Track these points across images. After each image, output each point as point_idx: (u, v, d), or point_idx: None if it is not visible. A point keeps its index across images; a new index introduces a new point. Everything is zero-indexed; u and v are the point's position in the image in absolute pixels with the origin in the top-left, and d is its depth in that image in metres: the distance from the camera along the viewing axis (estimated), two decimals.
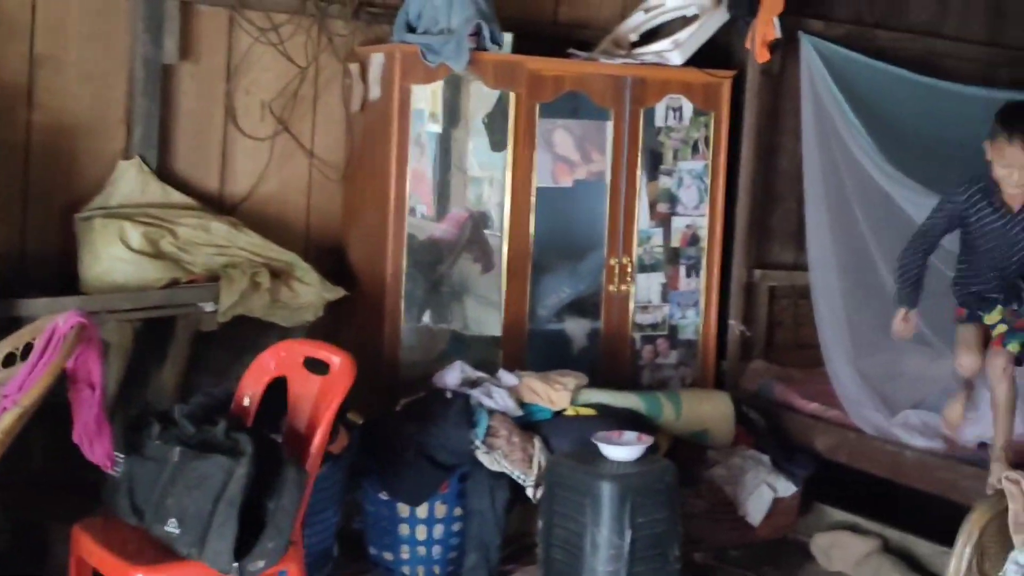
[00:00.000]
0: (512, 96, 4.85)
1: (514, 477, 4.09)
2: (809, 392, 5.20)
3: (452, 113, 4.95)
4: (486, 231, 5.07)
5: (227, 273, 4.42)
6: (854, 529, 4.77)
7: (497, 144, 4.94)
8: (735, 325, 5.36)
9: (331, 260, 4.94)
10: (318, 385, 3.43)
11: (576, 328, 5.15)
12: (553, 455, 4.09)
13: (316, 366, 3.49)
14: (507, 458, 4.07)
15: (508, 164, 4.88)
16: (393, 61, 4.64)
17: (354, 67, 4.84)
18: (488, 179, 5.04)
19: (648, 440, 3.94)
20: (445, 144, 4.95)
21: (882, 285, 5.05)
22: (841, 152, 5.18)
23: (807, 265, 5.62)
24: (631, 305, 5.16)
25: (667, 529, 3.81)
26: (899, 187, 4.99)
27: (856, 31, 5.59)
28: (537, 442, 4.16)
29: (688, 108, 5.20)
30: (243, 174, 4.86)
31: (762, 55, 5.17)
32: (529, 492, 4.08)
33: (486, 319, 5.07)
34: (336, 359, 3.39)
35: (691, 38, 5.14)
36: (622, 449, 3.89)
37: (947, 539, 4.44)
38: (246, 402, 3.54)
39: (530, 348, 4.97)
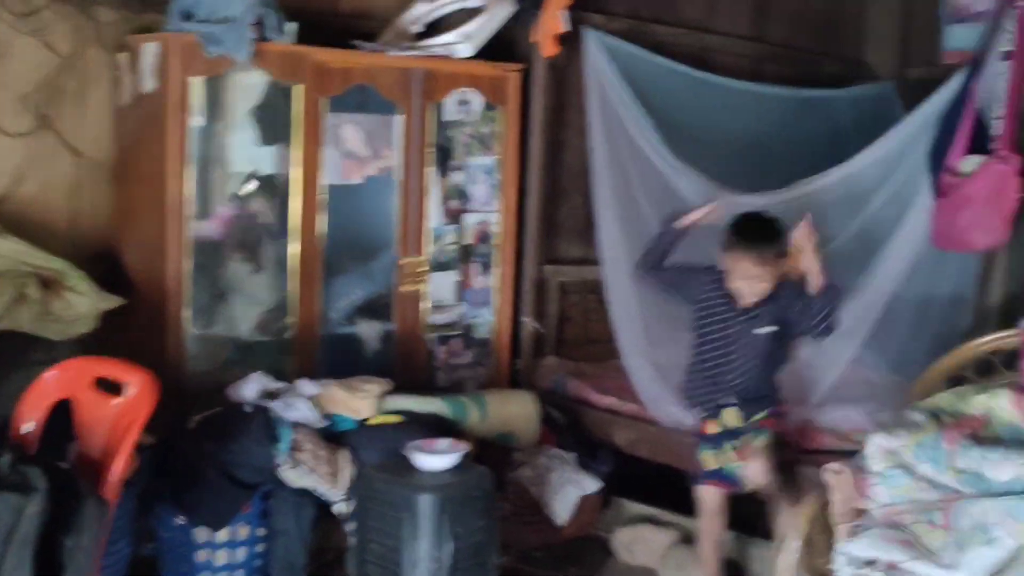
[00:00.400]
0: (297, 89, 4.59)
1: (319, 493, 3.87)
2: (603, 386, 5.20)
3: (214, 106, 4.61)
4: (258, 229, 4.79)
5: None
6: (654, 522, 4.80)
7: (268, 138, 4.67)
8: (529, 322, 5.30)
9: (102, 267, 4.55)
10: (113, 407, 3.12)
11: (369, 331, 4.96)
12: (363, 468, 3.89)
13: (108, 386, 3.17)
14: (313, 473, 3.85)
15: (284, 159, 4.64)
16: (170, 51, 4.31)
17: (123, 57, 4.48)
18: (251, 174, 4.75)
19: (463, 447, 3.81)
20: (207, 138, 4.61)
21: None
22: (627, 145, 5.19)
23: (595, 260, 5.63)
24: (425, 305, 5.00)
25: (485, 537, 3.70)
26: (683, 178, 5.04)
27: (635, 26, 5.61)
28: (344, 455, 3.95)
29: (478, 102, 5.09)
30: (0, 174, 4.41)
31: (549, 48, 5.12)
32: (337, 508, 3.87)
33: (265, 322, 4.80)
34: (135, 378, 3.09)
35: (479, 30, 5.03)
36: (437, 458, 3.74)
37: (746, 528, 4.60)
38: (26, 429, 3.18)
39: (322, 353, 4.75)
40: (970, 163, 3.83)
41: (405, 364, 4.98)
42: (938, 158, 3.99)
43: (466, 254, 5.14)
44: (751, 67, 6.20)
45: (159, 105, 4.35)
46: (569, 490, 4.48)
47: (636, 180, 5.17)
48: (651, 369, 4.93)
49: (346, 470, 3.91)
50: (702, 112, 5.61)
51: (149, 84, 4.40)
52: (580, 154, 5.54)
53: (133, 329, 4.43)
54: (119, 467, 2.98)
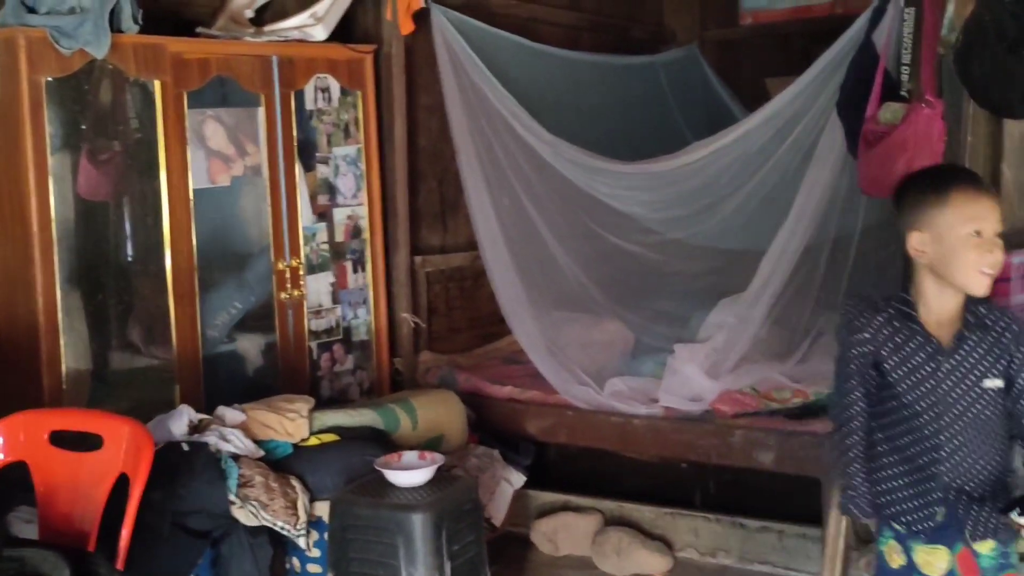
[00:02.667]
0: (157, 85, 4.09)
1: (278, 529, 3.47)
2: (492, 376, 5.02)
3: None
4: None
5: None
6: (572, 509, 4.65)
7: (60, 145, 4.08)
8: (408, 317, 5.01)
9: None
10: (84, 466, 2.63)
11: (250, 346, 4.53)
12: (321, 494, 3.51)
13: (69, 441, 2.68)
14: (267, 509, 3.44)
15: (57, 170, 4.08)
16: (15, 49, 3.73)
17: None
18: None
19: (437, 459, 3.51)
20: None
21: (548, 253, 4.96)
22: (488, 122, 5.00)
23: (454, 247, 5.43)
24: (305, 311, 4.61)
25: (477, 552, 3.43)
26: (557, 150, 4.89)
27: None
28: (295, 483, 3.56)
29: (335, 88, 4.74)
30: None
31: (407, 26, 4.84)
32: (301, 542, 3.48)
33: (76, 352, 4.25)
34: (119, 429, 2.62)
35: (331, 10, 4.68)
36: (414, 473, 3.43)
37: (667, 502, 4.54)
38: None
39: (205, 376, 4.27)
40: (890, 111, 3.88)
41: (290, 377, 4.58)
42: (850, 108, 4.02)
43: (338, 253, 4.78)
44: (570, 36, 6.13)
45: (7, 113, 3.76)
46: (504, 487, 4.26)
47: (502, 156, 4.99)
48: (549, 350, 4.77)
49: (302, 500, 3.52)
50: (539, 84, 5.48)
51: None
52: (430, 135, 5.32)
53: None
54: (126, 537, 2.51)
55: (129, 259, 4.28)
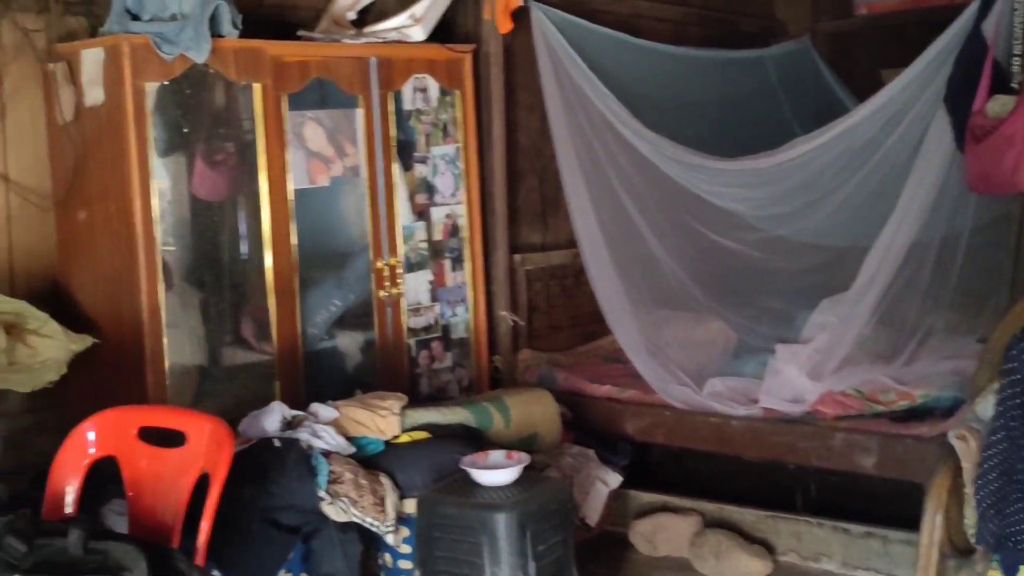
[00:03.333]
0: (257, 88, 4.17)
1: (367, 525, 3.50)
2: (591, 375, 4.98)
3: None
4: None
5: None
6: (671, 510, 4.60)
7: (165, 149, 4.14)
8: (507, 316, 5.01)
9: (48, 305, 4.02)
10: (169, 461, 2.69)
11: (349, 343, 4.59)
12: (410, 492, 3.54)
13: (156, 438, 2.75)
14: (356, 505, 3.48)
15: (180, 171, 4.19)
16: (120, 56, 3.83)
17: (58, 68, 3.96)
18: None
19: (523, 458, 3.50)
20: None
21: (649, 252, 4.91)
22: (589, 120, 4.97)
23: (554, 245, 5.42)
24: (403, 309, 4.65)
25: (564, 553, 3.41)
26: (658, 148, 4.83)
27: None
28: (385, 480, 3.59)
29: (434, 88, 4.77)
30: None
31: (505, 24, 4.85)
32: (390, 539, 3.51)
33: (187, 348, 4.35)
34: (201, 426, 2.67)
35: (429, 10, 4.71)
36: (500, 473, 3.43)
37: (766, 504, 4.45)
38: (68, 496, 2.72)
39: (305, 373, 4.34)
40: (998, 104, 3.75)
41: (389, 374, 4.63)
42: (957, 102, 3.89)
43: (437, 251, 4.81)
44: (675, 31, 6.08)
45: (112, 117, 3.87)
46: (599, 488, 4.23)
47: (602, 154, 4.95)
48: (648, 349, 4.72)
49: (390, 497, 3.55)
50: (643, 81, 5.43)
51: (96, 95, 3.91)
52: (530, 134, 5.32)
53: (94, 372, 3.94)
54: (206, 531, 2.56)
55: (243, 257, 4.35)
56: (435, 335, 4.81)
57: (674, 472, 4.89)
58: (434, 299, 4.81)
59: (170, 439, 2.86)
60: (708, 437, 4.47)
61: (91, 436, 2.74)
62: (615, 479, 4.35)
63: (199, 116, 4.22)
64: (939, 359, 4.41)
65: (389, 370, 4.63)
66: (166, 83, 3.95)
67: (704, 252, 4.93)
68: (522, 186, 5.32)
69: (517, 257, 5.17)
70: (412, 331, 4.73)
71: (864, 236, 4.39)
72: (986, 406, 3.10)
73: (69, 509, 2.72)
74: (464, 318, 4.93)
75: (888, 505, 4.22)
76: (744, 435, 4.37)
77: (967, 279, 4.25)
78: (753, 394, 4.52)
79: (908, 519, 3.97)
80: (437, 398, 4.71)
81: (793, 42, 6.46)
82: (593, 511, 4.25)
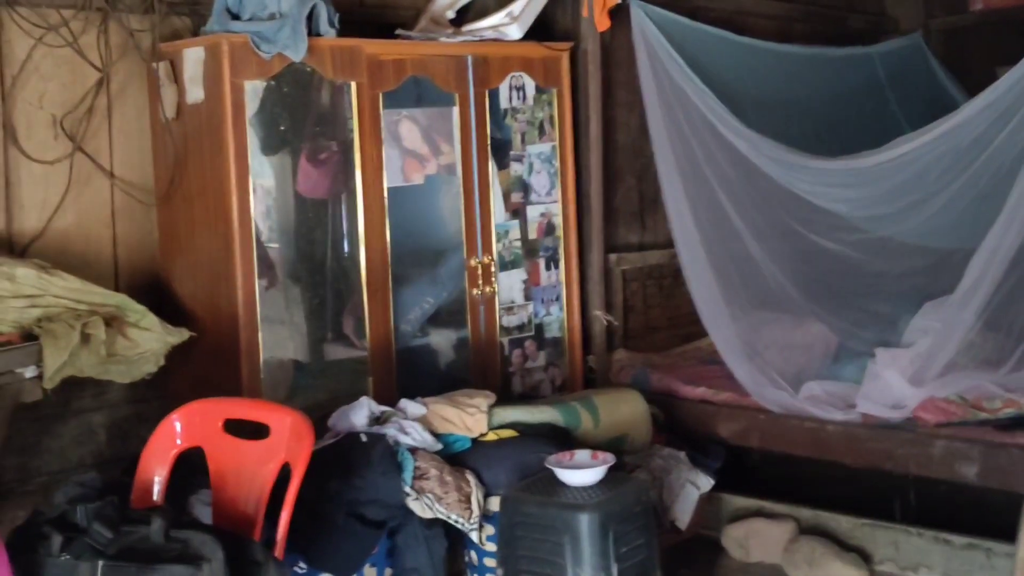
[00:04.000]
0: (353, 86, 4.22)
1: (452, 522, 3.51)
2: (686, 376, 4.92)
3: None
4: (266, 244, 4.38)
5: (47, 328, 3.56)
6: (764, 515, 4.52)
7: (268, 147, 4.25)
8: (601, 316, 4.98)
9: (149, 298, 4.12)
10: (252, 453, 2.73)
11: (442, 340, 4.62)
12: (496, 490, 3.54)
13: (240, 430, 2.79)
14: (441, 501, 3.49)
15: (286, 169, 4.27)
16: (219, 55, 3.91)
17: (162, 67, 4.06)
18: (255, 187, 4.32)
19: (608, 458, 3.48)
20: None
21: (747, 252, 4.83)
22: (687, 119, 4.90)
23: (652, 244, 5.37)
24: (497, 307, 4.65)
25: (648, 556, 3.37)
26: (756, 148, 4.74)
27: None
28: (470, 477, 3.60)
29: (531, 86, 4.77)
30: (32, 206, 3.98)
31: (603, 22, 4.82)
32: (474, 536, 3.52)
33: (298, 343, 4.41)
34: (283, 419, 2.71)
35: (527, 9, 4.72)
36: (584, 473, 3.41)
37: (863, 511, 4.34)
38: (155, 485, 2.78)
39: (398, 369, 4.37)
40: None
41: (481, 372, 4.64)
42: None
43: (531, 250, 4.80)
44: (780, 28, 5.99)
45: (212, 115, 3.95)
46: (689, 490, 4.18)
47: (700, 153, 4.88)
48: (745, 351, 4.64)
49: (476, 494, 3.56)
50: (746, 79, 5.36)
51: (196, 93, 3.99)
52: (629, 132, 5.28)
53: (193, 364, 4.03)
54: (285, 523, 2.60)
55: (343, 254, 4.39)
56: (528, 334, 4.81)
57: (772, 476, 4.80)
58: (528, 298, 4.81)
59: (257, 431, 2.91)
60: (803, 442, 4.38)
61: (178, 427, 2.81)
62: (706, 482, 4.29)
63: (301, 114, 4.29)
64: None
65: (481, 368, 4.64)
66: (270, 82, 4.01)
67: (804, 253, 4.82)
68: (620, 185, 5.29)
69: (613, 257, 5.14)
70: (505, 329, 4.73)
71: (970, 238, 4.25)
72: None
73: (156, 498, 2.78)
74: (558, 317, 4.92)
75: (993, 516, 4.07)
76: (840, 440, 4.28)
77: None
78: (852, 399, 4.42)
79: (1014, 531, 3.85)
80: (529, 397, 4.71)
81: (904, 39, 6.30)
82: (683, 514, 4.20)
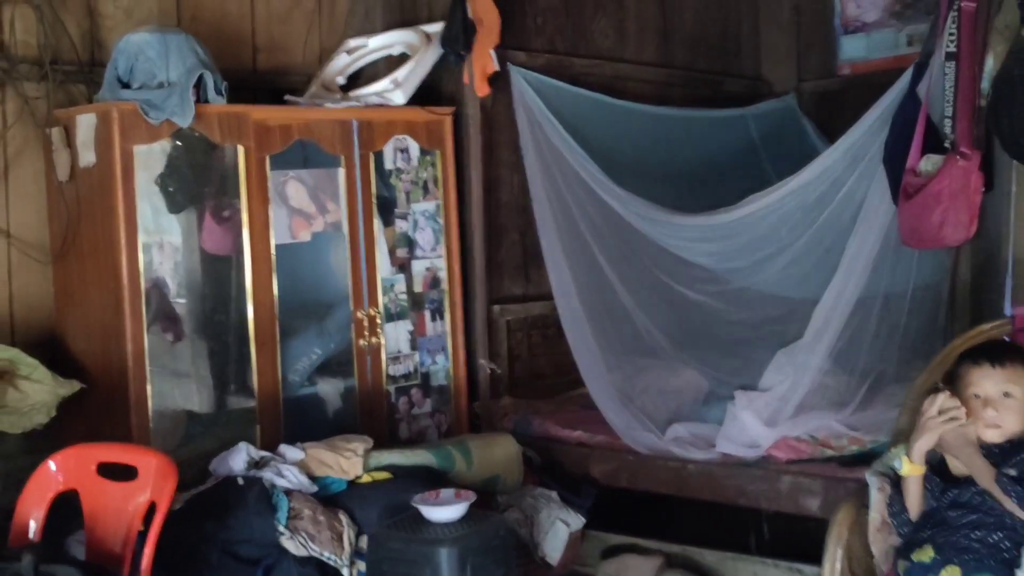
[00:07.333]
0: (240, 149, 4.48)
1: (324, 560, 3.74)
2: (566, 421, 5.17)
3: None
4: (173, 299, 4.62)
5: None
6: (636, 550, 4.77)
7: (175, 206, 4.51)
8: (485, 364, 5.24)
9: (44, 353, 4.32)
10: (122, 494, 2.95)
11: (330, 389, 4.85)
12: (367, 528, 3.77)
13: (112, 472, 3.01)
14: (314, 540, 3.72)
15: (191, 226, 4.52)
16: (110, 121, 4.15)
17: (55, 132, 4.29)
18: (157, 244, 4.56)
19: (470, 496, 3.73)
20: None
21: (620, 304, 5.13)
22: (563, 178, 5.21)
23: (536, 296, 5.64)
24: (383, 357, 4.91)
25: None
26: (626, 205, 5.07)
27: (554, 60, 5.65)
28: (343, 517, 3.83)
29: (415, 148, 5.05)
30: None
31: (482, 88, 5.11)
32: (346, 573, 3.74)
33: (198, 394, 4.64)
34: (149, 461, 2.94)
35: (410, 76, 5.00)
36: (446, 510, 3.66)
37: (726, 545, 4.63)
38: (32, 525, 2.99)
39: (285, 417, 4.60)
40: (929, 162, 3.95)
41: (368, 419, 4.87)
42: (894, 160, 4.09)
43: (417, 302, 5.06)
44: (659, 92, 6.31)
45: (103, 178, 4.18)
46: (559, 528, 4.43)
47: (576, 210, 5.19)
48: (616, 396, 4.93)
49: (347, 533, 3.79)
50: (623, 140, 5.70)
51: (88, 157, 4.23)
52: (512, 191, 5.55)
53: (86, 415, 4.23)
54: (149, 558, 2.82)
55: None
56: (415, 382, 5.06)
57: (656, 516, 5.05)
58: (414, 348, 5.06)
59: (130, 474, 3.12)
60: (666, 480, 4.65)
61: (54, 471, 3.01)
62: (577, 520, 4.54)
63: (204, 174, 4.53)
64: (892, 406, 4.56)
65: (368, 415, 4.88)
66: (176, 142, 4.28)
67: (672, 304, 5.13)
68: (504, 240, 5.56)
69: (497, 308, 5.39)
70: (392, 378, 4.97)
71: (820, 289, 4.58)
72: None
73: (33, 537, 2.97)
74: (444, 366, 5.17)
75: None
76: (699, 478, 4.56)
77: (915, 330, 4.42)
78: (714, 440, 4.70)
79: None
80: (415, 442, 4.94)
81: (777, 100, 6.70)
82: (554, 550, 4.44)
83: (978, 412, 3.20)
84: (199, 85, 4.32)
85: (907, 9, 6.54)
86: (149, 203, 4.38)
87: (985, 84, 3.97)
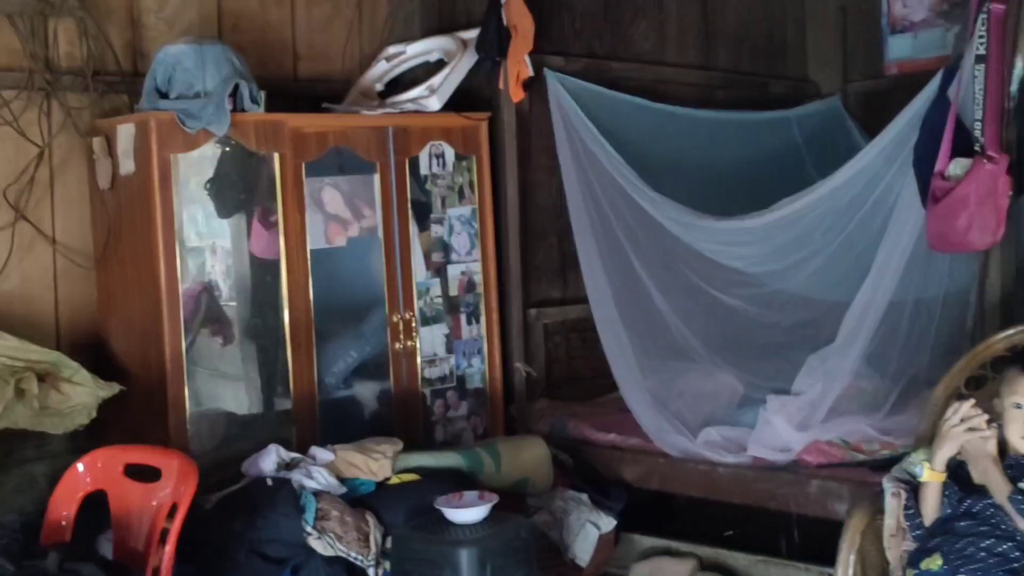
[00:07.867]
0: (276, 157, 4.57)
1: (351, 560, 3.81)
2: (601, 424, 5.20)
3: None
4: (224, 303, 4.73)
5: None
6: (669, 553, 4.80)
7: (225, 210, 4.62)
8: (520, 367, 5.29)
9: (89, 355, 4.46)
10: (146, 494, 3.05)
11: (366, 392, 4.93)
12: (393, 529, 3.84)
13: (138, 473, 3.11)
14: (341, 540, 3.79)
15: (241, 231, 4.64)
16: (148, 131, 4.27)
17: (97, 142, 4.42)
18: (210, 247, 4.68)
19: (492, 498, 3.78)
20: None
21: (656, 308, 5.15)
22: (599, 182, 5.24)
23: (574, 299, 5.68)
24: (418, 360, 4.98)
25: None
26: (661, 210, 5.08)
27: (592, 64, 5.68)
28: (370, 518, 3.90)
29: (450, 154, 5.11)
30: None
31: (517, 94, 5.16)
32: (372, 572, 3.82)
33: (243, 396, 4.75)
34: (167, 463, 3.02)
35: (446, 82, 5.06)
36: (469, 511, 3.72)
37: (761, 548, 4.63)
38: (63, 524, 3.10)
39: (322, 420, 4.70)
40: (958, 166, 3.91)
41: (404, 422, 4.94)
42: (924, 164, 4.07)
43: (452, 306, 5.13)
44: (701, 95, 6.31)
45: (142, 186, 4.30)
46: (589, 530, 4.46)
47: (612, 215, 5.22)
48: (651, 402, 4.95)
49: (374, 533, 3.86)
50: (663, 143, 5.70)
51: (128, 166, 4.35)
52: (550, 194, 5.59)
53: (127, 416, 4.34)
54: (169, 556, 2.91)
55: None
56: (450, 385, 5.12)
57: (695, 519, 5.06)
58: (450, 351, 5.12)
59: (155, 475, 3.22)
60: (697, 483, 4.67)
61: (82, 472, 3.12)
62: (607, 522, 4.57)
63: (252, 180, 4.63)
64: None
65: (404, 418, 4.95)
66: (224, 149, 4.42)
67: (706, 307, 5.14)
68: (542, 244, 5.60)
69: (533, 311, 5.44)
70: (427, 381, 5.04)
71: (853, 292, 4.56)
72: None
73: (64, 536, 3.08)
74: (480, 369, 5.23)
75: None
76: (730, 482, 4.57)
77: (947, 335, 4.39)
78: (746, 443, 4.70)
79: None
80: (451, 444, 5.00)
81: (822, 102, 6.65)
82: (583, 552, 4.48)
83: (1018, 422, 3.17)
84: (235, 94, 4.41)
85: (955, 8, 6.45)
86: (201, 208, 4.54)
87: (1014, 87, 3.94)
